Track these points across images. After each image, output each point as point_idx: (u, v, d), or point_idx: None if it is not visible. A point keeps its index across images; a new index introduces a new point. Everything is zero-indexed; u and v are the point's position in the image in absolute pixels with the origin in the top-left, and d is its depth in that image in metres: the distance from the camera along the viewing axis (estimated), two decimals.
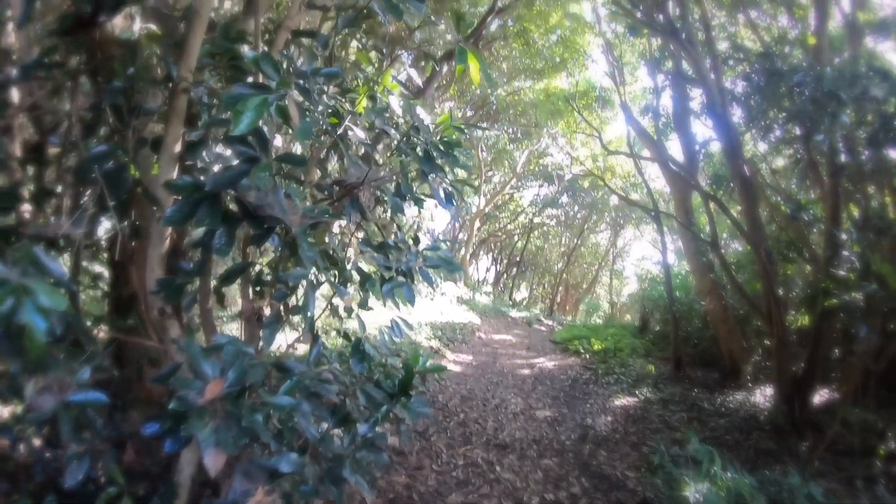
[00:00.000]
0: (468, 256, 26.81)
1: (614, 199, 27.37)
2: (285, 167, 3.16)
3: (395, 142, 3.22)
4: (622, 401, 10.14)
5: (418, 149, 3.12)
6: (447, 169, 3.29)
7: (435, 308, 18.06)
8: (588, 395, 10.49)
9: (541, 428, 8.16)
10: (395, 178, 3.30)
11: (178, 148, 2.76)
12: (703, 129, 14.28)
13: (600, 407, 9.70)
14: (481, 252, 39.09)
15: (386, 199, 3.34)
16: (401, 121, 3.48)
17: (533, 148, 25.03)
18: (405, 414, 3.06)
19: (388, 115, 3.36)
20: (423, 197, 3.49)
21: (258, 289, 3.12)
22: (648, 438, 7.96)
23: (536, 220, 34.87)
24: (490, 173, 29.64)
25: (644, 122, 15.94)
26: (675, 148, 15.73)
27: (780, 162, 12.45)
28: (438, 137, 3.25)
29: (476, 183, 26.81)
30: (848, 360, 9.16)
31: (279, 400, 2.25)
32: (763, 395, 10.53)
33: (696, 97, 13.95)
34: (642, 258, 35.51)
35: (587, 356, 14.43)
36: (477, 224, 27.98)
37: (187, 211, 2.18)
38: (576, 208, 33.01)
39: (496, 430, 7.79)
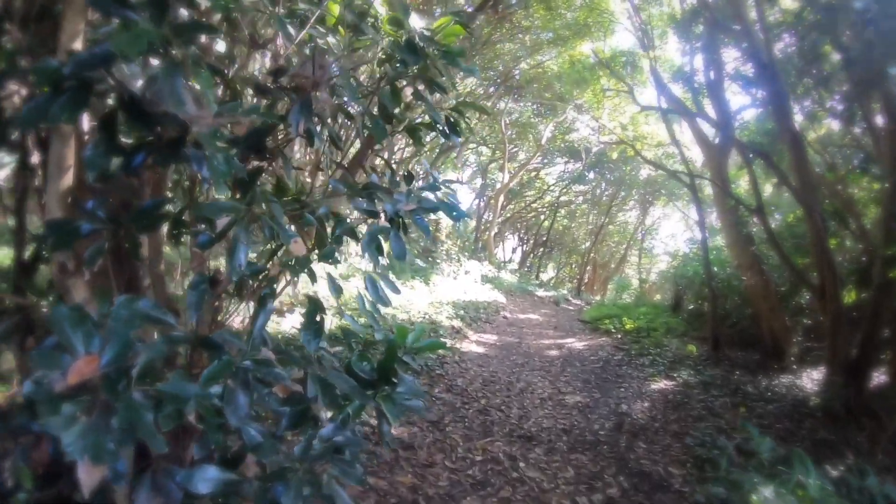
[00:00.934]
0: (493, 235, 25.96)
1: (644, 174, 26.35)
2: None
3: (375, 41, 2.37)
4: (659, 384, 9.32)
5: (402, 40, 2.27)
6: (447, 81, 2.45)
7: (458, 287, 17.32)
8: (621, 379, 9.68)
9: (571, 416, 7.37)
10: (376, 88, 2.48)
11: (77, 44, 1.96)
12: (737, 98, 13.35)
13: (636, 391, 8.89)
14: (507, 232, 38.43)
15: (368, 124, 2.49)
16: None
17: (558, 120, 24.00)
18: (388, 409, 2.23)
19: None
20: (419, 126, 2.66)
21: (175, 233, 2.27)
22: (692, 427, 7.15)
23: (563, 198, 33.99)
24: (514, 149, 28.71)
25: (675, 89, 14.95)
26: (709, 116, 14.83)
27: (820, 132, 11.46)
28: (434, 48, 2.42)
29: (499, 157, 25.99)
30: None
31: (180, 388, 1.47)
32: (810, 379, 9.73)
33: (731, 62, 13.04)
34: (672, 235, 34.69)
35: (619, 336, 13.60)
36: (501, 200, 27.08)
37: (43, 106, 1.43)
38: (603, 185, 32.19)
39: (521, 418, 7.01)
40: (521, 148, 28.97)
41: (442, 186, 2.68)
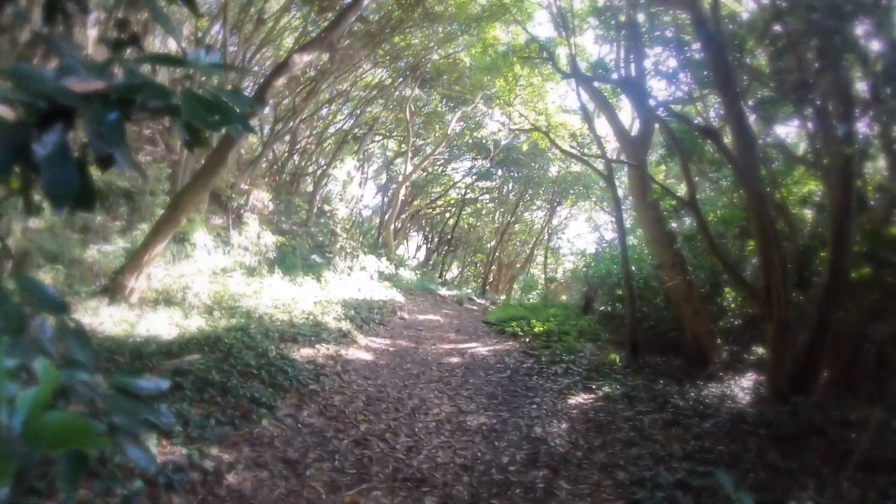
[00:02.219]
0: (393, 230, 24.31)
1: (553, 170, 25.32)
2: None
3: None
4: (577, 398, 8.00)
5: None
6: None
7: (352, 284, 15.64)
8: (533, 392, 8.29)
9: (473, 444, 5.89)
10: None
11: None
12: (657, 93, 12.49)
13: (550, 408, 7.51)
14: (412, 230, 37.15)
15: None
16: None
17: (467, 110, 22.63)
18: None
19: None
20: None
21: None
22: (622, 456, 5.82)
23: (469, 195, 32.88)
24: (419, 142, 27.30)
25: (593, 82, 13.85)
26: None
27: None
28: None
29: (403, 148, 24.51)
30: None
31: None
32: (739, 388, 8.84)
33: (653, 55, 12.10)
34: (578, 235, 34.25)
35: (527, 340, 12.30)
36: (403, 193, 25.48)
37: None
38: (510, 184, 31.24)
39: (410, 450, 5.47)
40: (427, 140, 27.54)
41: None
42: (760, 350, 10.03)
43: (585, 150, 21.18)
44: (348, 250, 18.14)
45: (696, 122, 10.47)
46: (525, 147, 23.90)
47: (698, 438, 6.39)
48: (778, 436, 6.43)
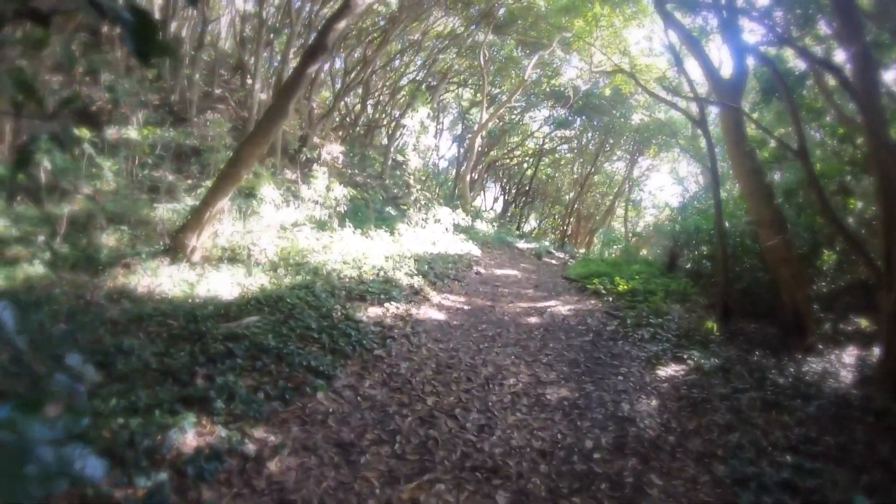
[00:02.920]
0: (469, 180, 23.55)
1: (636, 118, 23.86)
2: None
3: None
4: (667, 370, 7.20)
5: None
6: None
7: (426, 237, 15.09)
8: (618, 360, 7.53)
9: (553, 424, 5.21)
10: None
11: None
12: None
13: (637, 380, 6.75)
14: (490, 181, 36.35)
15: None
16: None
17: (544, 54, 21.40)
18: None
19: None
20: None
21: None
22: (720, 444, 5.06)
23: (547, 146, 31.68)
24: (494, 91, 26.21)
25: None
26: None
27: None
28: None
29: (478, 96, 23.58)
30: None
31: None
32: (841, 363, 7.78)
33: None
34: (660, 188, 32.98)
35: (610, 299, 11.44)
36: (479, 143, 24.56)
37: None
38: (589, 134, 29.89)
39: (481, 430, 4.85)
40: (503, 87, 26.41)
41: None
42: (863, 322, 9.09)
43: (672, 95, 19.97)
44: (422, 202, 17.54)
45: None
46: (607, 92, 22.53)
47: (802, 425, 5.53)
48: (891, 426, 5.53)
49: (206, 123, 13.51)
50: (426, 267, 11.62)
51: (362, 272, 9.79)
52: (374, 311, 8.07)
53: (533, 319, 9.53)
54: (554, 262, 19.11)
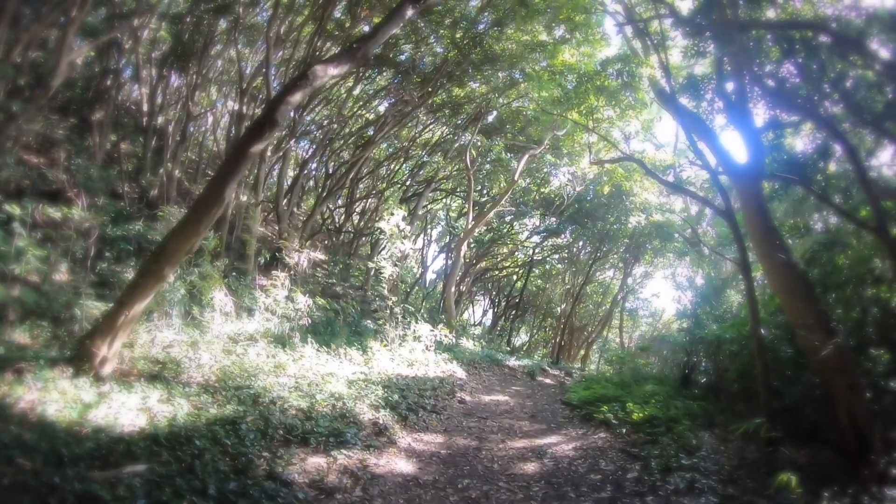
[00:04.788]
0: (453, 290, 21.57)
1: (633, 221, 22.25)
2: None
3: None
4: None
5: None
6: None
7: (402, 356, 13.01)
8: None
9: None
10: None
11: None
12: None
13: None
14: (478, 293, 34.75)
15: None
16: None
17: (536, 152, 20.10)
18: None
19: None
20: None
21: None
22: None
23: (537, 256, 30.54)
24: (483, 199, 24.95)
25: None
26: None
27: None
28: None
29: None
30: None
31: None
32: None
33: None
34: (655, 295, 32.22)
35: (623, 430, 9.29)
36: (464, 249, 22.81)
37: None
38: (581, 243, 28.71)
39: None
40: (491, 191, 25.25)
41: None
42: None
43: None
44: (399, 316, 15.51)
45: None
46: (605, 190, 21.05)
47: None
48: None
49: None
50: (397, 396, 9.51)
51: (314, 402, 7.80)
52: (314, 463, 6.00)
53: (531, 467, 7.36)
54: (549, 381, 16.94)
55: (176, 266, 7.83)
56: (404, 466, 6.67)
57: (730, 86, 10.13)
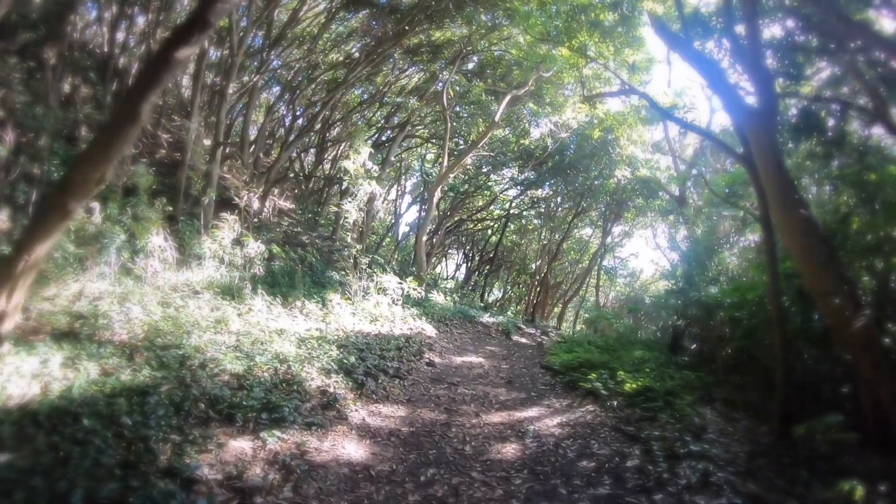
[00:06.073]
0: (424, 241, 20.07)
1: (618, 175, 20.80)
2: None
3: None
4: None
5: None
6: None
7: (365, 312, 11.65)
8: None
9: None
10: None
11: None
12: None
13: None
14: (453, 248, 33.61)
15: None
16: None
17: (519, 93, 18.49)
18: None
19: None
20: None
21: None
22: None
23: (514, 210, 29.58)
24: (460, 146, 23.42)
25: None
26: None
27: None
28: None
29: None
30: None
31: None
32: None
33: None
34: (633, 255, 33.02)
35: (615, 403, 8.02)
36: (438, 195, 21.27)
37: None
38: (559, 199, 27.71)
39: None
40: (469, 137, 23.63)
41: None
42: None
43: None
44: (363, 266, 14.06)
45: None
46: (597, 134, 19.54)
47: None
48: None
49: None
50: (354, 358, 8.13)
51: (253, 365, 6.40)
52: (236, 449, 4.65)
53: (510, 450, 6.05)
54: (525, 340, 15.71)
55: (84, 199, 6.30)
56: (354, 451, 5.33)
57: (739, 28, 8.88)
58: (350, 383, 7.18)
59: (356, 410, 6.49)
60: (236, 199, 11.91)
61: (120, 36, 13.44)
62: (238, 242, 10.61)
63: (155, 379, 5.42)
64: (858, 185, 8.38)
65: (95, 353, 5.59)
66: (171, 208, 10.37)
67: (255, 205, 12.68)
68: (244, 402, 5.47)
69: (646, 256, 50.25)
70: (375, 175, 13.99)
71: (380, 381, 7.83)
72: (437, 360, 10.25)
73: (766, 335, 8.41)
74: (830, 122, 9.17)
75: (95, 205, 8.35)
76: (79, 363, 5.31)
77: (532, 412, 7.75)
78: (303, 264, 12.69)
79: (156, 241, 9.07)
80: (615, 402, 8.06)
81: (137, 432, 4.41)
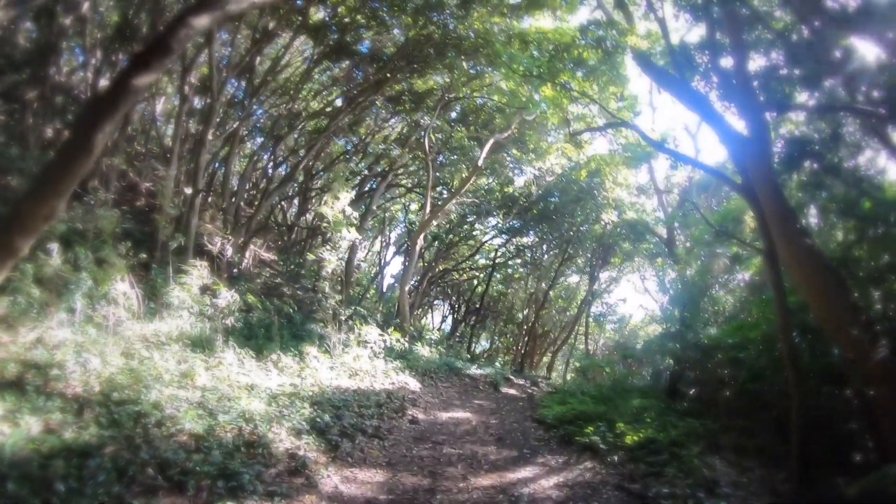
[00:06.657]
0: (407, 290, 19.41)
1: (606, 219, 20.45)
2: None
3: None
4: None
5: None
6: None
7: (345, 366, 10.96)
8: None
9: None
10: None
11: None
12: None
13: None
14: (438, 298, 33.51)
15: None
16: None
17: (501, 137, 18.17)
18: None
19: None
20: None
21: None
22: None
23: (499, 260, 29.25)
24: (441, 195, 23.12)
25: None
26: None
27: None
28: None
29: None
30: None
31: None
32: None
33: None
34: (620, 300, 31.21)
35: (615, 458, 7.40)
36: (421, 243, 20.82)
37: None
38: (545, 246, 27.47)
39: None
40: (452, 184, 23.40)
41: None
42: None
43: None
44: (342, 317, 13.39)
45: None
46: (584, 175, 19.17)
47: None
48: None
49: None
50: (328, 417, 7.42)
51: (215, 425, 5.74)
52: None
53: None
54: (515, 391, 15.00)
55: (32, 236, 5.71)
56: None
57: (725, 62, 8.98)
58: (323, 445, 6.50)
59: (328, 476, 5.80)
60: (209, 245, 11.36)
61: (104, 82, 12.99)
62: (208, 291, 10.00)
63: (101, 438, 4.91)
64: (856, 211, 8.11)
65: (41, 407, 5.15)
66: (144, 256, 9.86)
67: (229, 252, 12.12)
68: (199, 468, 4.84)
69: (634, 301, 49.80)
70: (356, 223, 13.50)
71: (357, 441, 7.14)
72: (420, 416, 9.53)
73: (775, 375, 7.98)
74: (822, 149, 8.83)
75: (54, 245, 7.83)
76: (20, 417, 4.87)
77: (525, 472, 7.08)
78: (280, 315, 12.05)
79: (120, 288, 8.49)
80: (616, 457, 7.49)
81: (69, 501, 3.78)
